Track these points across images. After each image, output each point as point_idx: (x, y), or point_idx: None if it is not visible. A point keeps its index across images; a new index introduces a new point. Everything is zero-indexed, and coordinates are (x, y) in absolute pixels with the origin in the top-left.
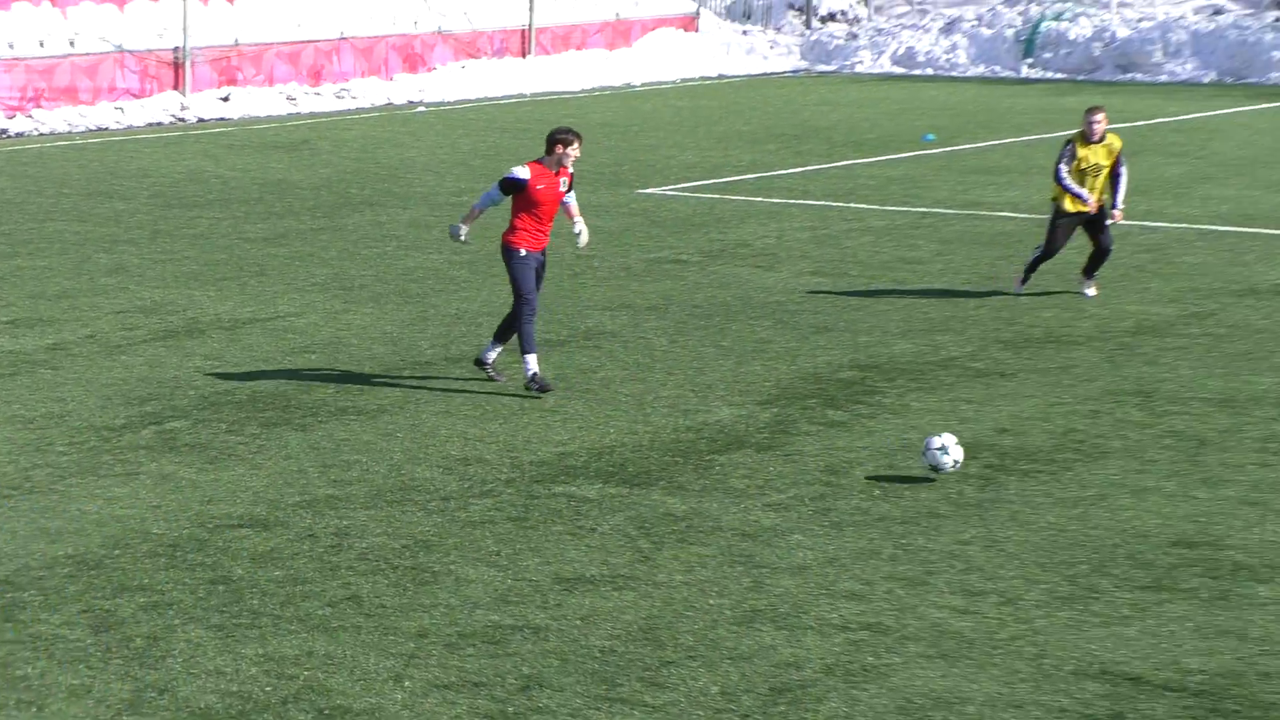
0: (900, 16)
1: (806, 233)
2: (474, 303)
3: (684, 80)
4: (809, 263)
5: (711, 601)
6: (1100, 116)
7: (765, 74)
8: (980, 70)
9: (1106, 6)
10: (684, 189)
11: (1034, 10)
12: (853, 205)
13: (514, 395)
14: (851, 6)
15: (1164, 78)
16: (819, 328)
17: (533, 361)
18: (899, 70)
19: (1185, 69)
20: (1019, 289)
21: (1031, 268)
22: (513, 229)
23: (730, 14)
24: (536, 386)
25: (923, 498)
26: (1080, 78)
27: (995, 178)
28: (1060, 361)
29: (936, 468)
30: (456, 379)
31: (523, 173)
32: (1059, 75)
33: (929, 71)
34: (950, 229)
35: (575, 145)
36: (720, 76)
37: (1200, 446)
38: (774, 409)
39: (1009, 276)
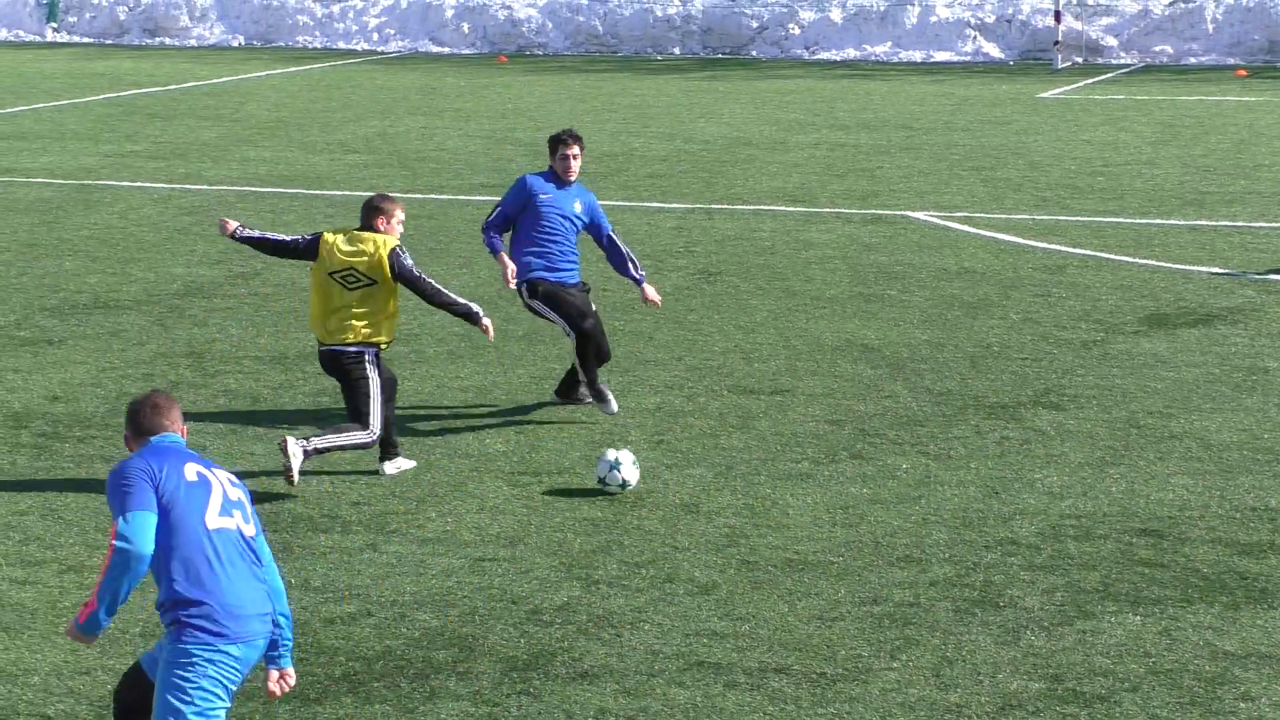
0: None
1: None
2: None
3: None
4: None
5: None
6: None
7: None
8: (3, 35)
9: None
10: None
11: None
12: None
13: None
14: None
15: (193, 41)
16: None
17: None
18: None
19: (214, 33)
20: None
21: None
22: None
23: None
24: None
25: None
26: (108, 41)
27: (29, 144)
28: (109, 327)
29: (604, 481)
30: None
31: None
32: (85, 39)
33: None
34: None
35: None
36: None
37: (254, 403)
38: None
39: (49, 242)
